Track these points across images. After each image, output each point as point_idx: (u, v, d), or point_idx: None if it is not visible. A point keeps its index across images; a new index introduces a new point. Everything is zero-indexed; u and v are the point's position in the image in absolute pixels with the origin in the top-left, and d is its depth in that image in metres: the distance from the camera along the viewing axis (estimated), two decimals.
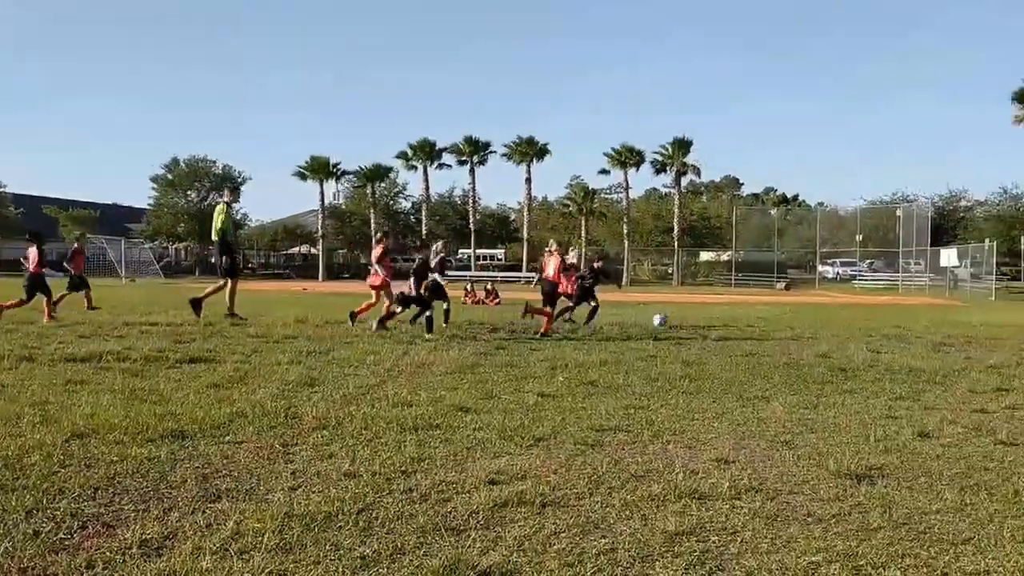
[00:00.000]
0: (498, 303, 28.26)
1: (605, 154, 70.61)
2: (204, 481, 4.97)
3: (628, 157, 69.76)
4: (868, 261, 69.45)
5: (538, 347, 12.62)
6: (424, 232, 74.17)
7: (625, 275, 66.34)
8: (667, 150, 68.85)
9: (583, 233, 69.40)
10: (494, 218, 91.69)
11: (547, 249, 17.04)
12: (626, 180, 71.64)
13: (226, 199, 16.79)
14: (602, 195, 78.90)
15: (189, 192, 77.37)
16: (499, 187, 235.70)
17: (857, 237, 66.72)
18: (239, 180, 74.03)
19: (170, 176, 76.58)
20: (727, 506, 4.68)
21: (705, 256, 77.58)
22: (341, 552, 3.91)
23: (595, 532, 4.25)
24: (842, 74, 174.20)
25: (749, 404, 8.03)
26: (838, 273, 68.79)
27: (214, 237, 16.04)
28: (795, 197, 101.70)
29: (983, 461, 5.83)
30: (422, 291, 14.14)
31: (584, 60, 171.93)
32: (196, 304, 15.52)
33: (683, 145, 68.44)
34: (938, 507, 4.72)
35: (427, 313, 13.98)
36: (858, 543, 4.11)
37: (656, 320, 17.42)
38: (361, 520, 4.35)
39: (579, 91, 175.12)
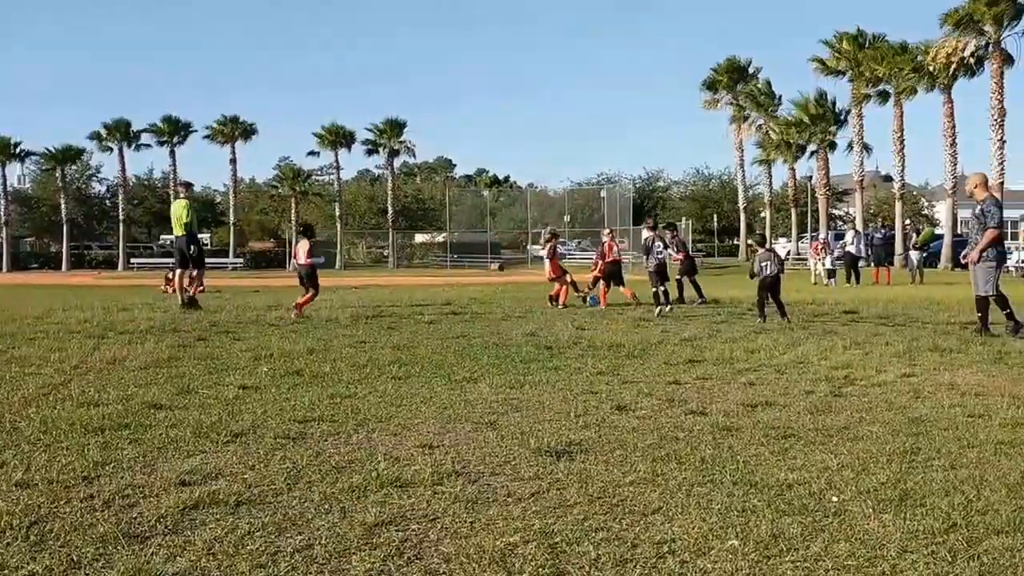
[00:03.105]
0: (202, 291, 27.01)
1: (315, 134, 69.46)
2: None
3: (339, 137, 68.97)
4: (576, 240, 72.82)
5: (242, 337, 12.21)
6: (121, 217, 69.59)
7: (339, 259, 65.85)
8: (379, 130, 68.72)
9: (294, 216, 67.99)
10: (198, 202, 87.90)
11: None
12: (337, 161, 70.93)
13: (185, 195, 18.33)
14: (314, 177, 77.76)
15: None
16: (204, 169, 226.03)
17: (565, 217, 69.83)
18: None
19: None
20: (429, 492, 4.70)
21: (420, 238, 78.40)
22: (6, 572, 3.58)
23: (291, 529, 4.14)
24: (548, 59, 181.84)
25: (457, 386, 8.14)
26: None
27: (178, 232, 17.32)
28: (507, 178, 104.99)
29: (674, 431, 6.21)
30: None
31: (297, 39, 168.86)
32: (190, 302, 17.03)
33: (396, 125, 68.53)
34: (632, 479, 4.97)
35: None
36: (555, 520, 4.25)
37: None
38: (32, 534, 4.02)
39: (291, 71, 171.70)
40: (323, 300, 18.43)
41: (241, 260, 65.09)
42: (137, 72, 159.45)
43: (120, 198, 72.10)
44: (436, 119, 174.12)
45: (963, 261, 12.70)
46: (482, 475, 5.07)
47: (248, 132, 69.96)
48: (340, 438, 6.02)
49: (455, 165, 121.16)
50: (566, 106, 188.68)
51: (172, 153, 70.43)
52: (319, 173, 79.66)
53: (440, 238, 75.14)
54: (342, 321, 14.71)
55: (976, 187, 12.37)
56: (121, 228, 69.80)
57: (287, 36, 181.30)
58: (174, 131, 69.62)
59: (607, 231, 21.05)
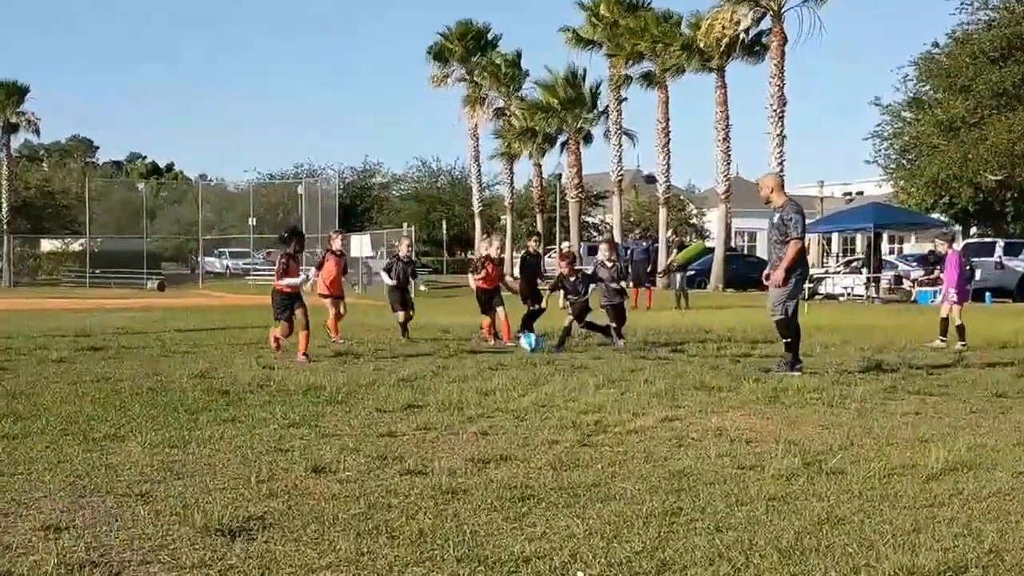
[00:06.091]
0: None
1: None
2: None
3: None
4: (266, 250, 71.56)
5: None
6: None
7: None
8: None
9: None
10: None
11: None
12: None
13: None
14: None
15: None
16: None
17: (251, 220, 68.70)
18: None
19: None
20: None
21: (48, 245, 74.80)
22: None
23: None
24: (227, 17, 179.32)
25: (97, 447, 7.89)
26: (227, 267, 70.48)
27: None
28: (169, 167, 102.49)
29: (387, 497, 6.29)
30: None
31: None
32: None
33: (14, 91, 65.12)
34: (329, 560, 4.99)
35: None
36: None
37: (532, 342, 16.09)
38: None
39: None
40: None
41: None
42: None
43: None
44: (73, 90, 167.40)
45: (765, 283, 13.31)
46: (128, 564, 4.93)
47: None
48: None
49: (98, 148, 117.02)
50: (254, 78, 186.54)
51: None
52: None
53: (76, 246, 71.96)
54: None
55: (772, 191, 13.10)
56: None
57: None
58: None
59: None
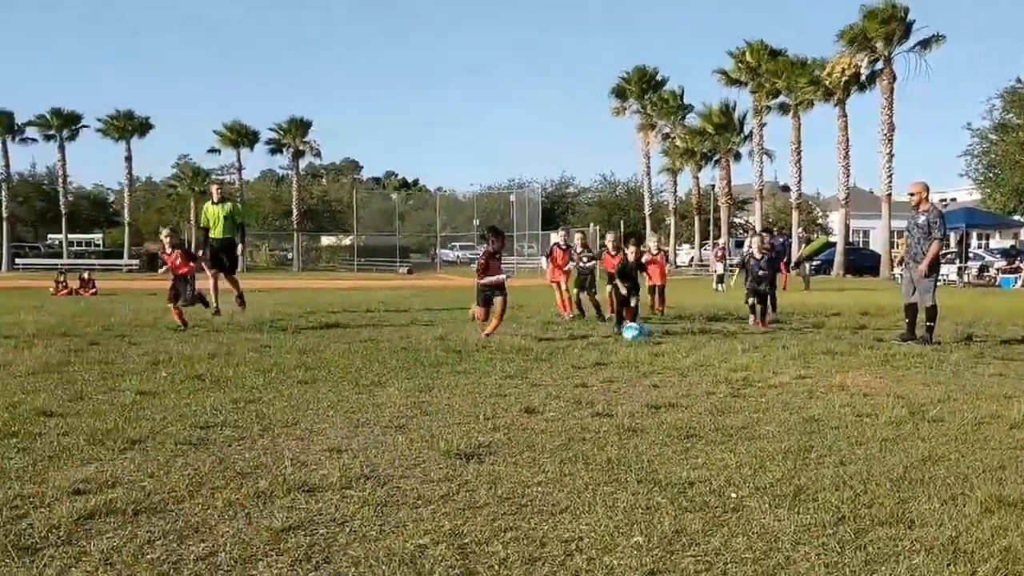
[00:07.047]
0: (94, 293, 26.30)
1: (216, 132, 67.93)
2: None
3: (241, 136, 67.46)
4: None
5: (138, 341, 11.91)
6: (4, 215, 65.70)
7: (241, 261, 64.61)
8: (283, 129, 67.53)
9: (192, 216, 66.33)
10: (90, 200, 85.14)
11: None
12: (239, 160, 69.59)
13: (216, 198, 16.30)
14: (214, 176, 76.16)
15: None
16: (96, 165, 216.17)
17: (475, 221, 69.80)
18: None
19: None
20: (337, 496, 4.66)
21: (326, 240, 77.49)
22: None
23: (194, 536, 4.05)
24: (451, 64, 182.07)
25: (365, 391, 8.08)
26: (458, 256, 71.76)
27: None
28: (415, 182, 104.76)
29: (581, 433, 6.27)
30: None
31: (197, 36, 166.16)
32: (240, 300, 15.96)
33: (301, 125, 67.42)
34: (540, 479, 5.01)
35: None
36: (464, 521, 4.26)
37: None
38: None
39: (189, 64, 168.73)
40: (224, 305, 18.11)
41: (136, 262, 62.24)
42: (24, 64, 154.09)
43: (3, 194, 67.33)
44: (343, 119, 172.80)
45: (909, 272, 12.79)
46: (391, 478, 5.04)
47: (144, 127, 67.25)
48: (244, 443, 5.91)
49: (362, 167, 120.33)
50: (478, 110, 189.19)
51: (61, 147, 66.42)
52: (220, 172, 77.98)
53: (347, 241, 74.34)
54: (244, 325, 14.44)
55: (924, 197, 12.67)
56: (5, 227, 66.19)
57: (187, 22, 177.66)
58: (63, 124, 65.34)
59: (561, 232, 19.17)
